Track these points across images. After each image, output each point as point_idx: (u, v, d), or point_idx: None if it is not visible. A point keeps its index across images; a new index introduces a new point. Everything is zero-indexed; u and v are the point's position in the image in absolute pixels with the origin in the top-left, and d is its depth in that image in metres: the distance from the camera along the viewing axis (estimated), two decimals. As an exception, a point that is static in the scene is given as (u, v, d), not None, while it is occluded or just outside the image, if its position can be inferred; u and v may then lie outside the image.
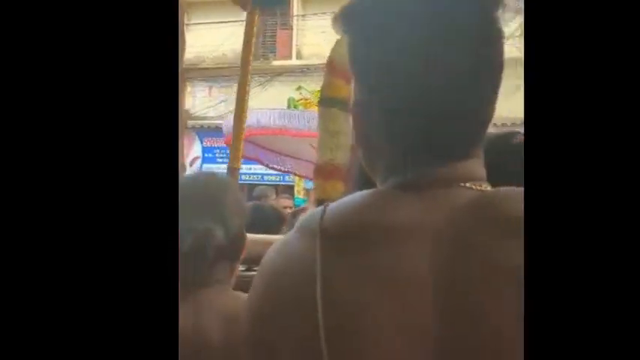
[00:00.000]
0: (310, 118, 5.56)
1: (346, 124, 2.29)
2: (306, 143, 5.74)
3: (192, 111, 10.73)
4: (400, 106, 0.64)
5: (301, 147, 5.99)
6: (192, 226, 1.12)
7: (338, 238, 0.62)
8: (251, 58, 2.48)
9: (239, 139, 2.41)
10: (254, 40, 2.46)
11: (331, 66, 2.35)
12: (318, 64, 9.24)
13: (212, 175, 1.32)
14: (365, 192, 0.65)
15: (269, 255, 0.69)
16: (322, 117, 2.39)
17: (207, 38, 10.69)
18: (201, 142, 10.68)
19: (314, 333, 0.58)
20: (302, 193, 8.29)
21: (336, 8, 0.72)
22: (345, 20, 0.67)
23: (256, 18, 2.46)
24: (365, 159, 0.71)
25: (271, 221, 2.57)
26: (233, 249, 1.19)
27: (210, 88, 11.11)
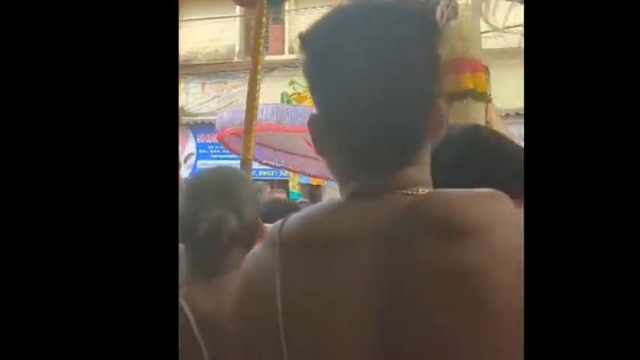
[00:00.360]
0: (303, 113, 5.53)
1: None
2: (300, 138, 5.72)
3: (185, 107, 10.68)
4: (346, 121, 0.70)
5: (295, 142, 5.97)
6: (206, 214, 1.25)
7: (293, 247, 0.69)
8: (261, 58, 2.55)
9: (250, 131, 2.47)
10: (263, 37, 2.53)
11: None
12: (311, 58, 9.16)
13: (226, 169, 1.47)
14: (320, 203, 0.74)
15: (247, 258, 0.78)
16: None
17: (200, 34, 10.64)
18: (195, 139, 10.65)
19: (274, 332, 0.66)
20: (297, 187, 8.29)
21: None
22: (301, 44, 0.74)
23: (265, 14, 2.52)
24: (329, 169, 0.77)
25: (288, 212, 2.63)
26: (247, 235, 1.30)
27: (203, 84, 11.07)
